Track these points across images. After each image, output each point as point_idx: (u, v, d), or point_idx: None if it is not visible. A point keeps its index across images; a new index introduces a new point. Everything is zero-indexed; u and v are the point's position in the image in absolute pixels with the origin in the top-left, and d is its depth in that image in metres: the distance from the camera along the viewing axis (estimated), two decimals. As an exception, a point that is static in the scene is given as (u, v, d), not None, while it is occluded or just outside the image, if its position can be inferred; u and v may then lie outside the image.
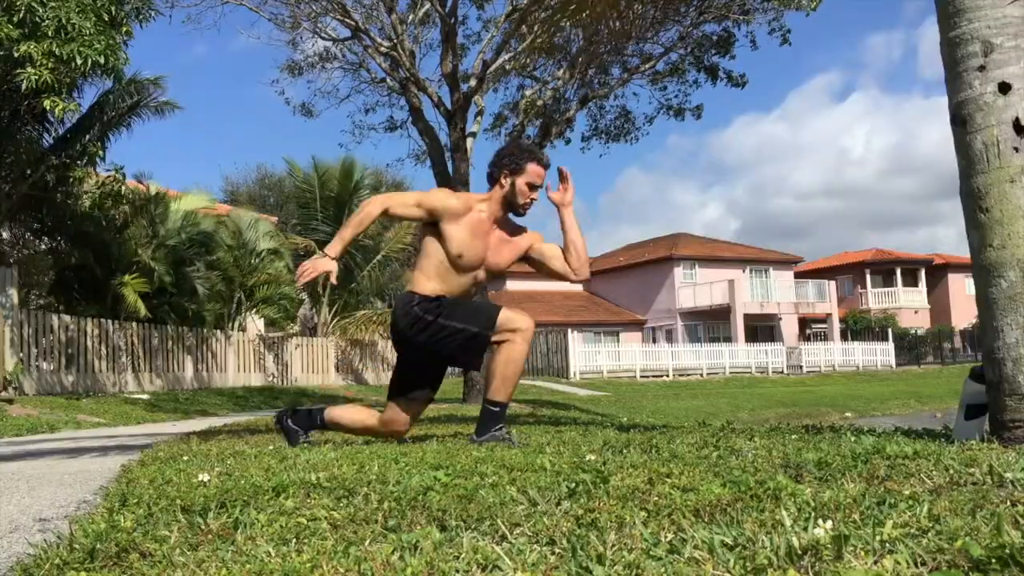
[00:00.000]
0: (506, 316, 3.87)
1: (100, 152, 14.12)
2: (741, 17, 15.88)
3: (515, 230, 4.16)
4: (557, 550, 1.60)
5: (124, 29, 11.67)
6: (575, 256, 4.12)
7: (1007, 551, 1.33)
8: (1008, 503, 1.79)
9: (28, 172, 13.78)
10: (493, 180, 4.04)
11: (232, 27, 72.01)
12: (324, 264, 3.90)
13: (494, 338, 3.85)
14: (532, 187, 3.99)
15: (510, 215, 4.09)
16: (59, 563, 1.72)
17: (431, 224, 3.97)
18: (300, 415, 4.32)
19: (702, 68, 16.83)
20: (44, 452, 5.60)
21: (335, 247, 3.94)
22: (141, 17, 12.30)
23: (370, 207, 3.98)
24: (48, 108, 11.35)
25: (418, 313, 3.91)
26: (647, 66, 16.86)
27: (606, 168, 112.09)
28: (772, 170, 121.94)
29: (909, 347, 40.25)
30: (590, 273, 4.38)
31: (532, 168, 3.98)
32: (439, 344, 3.93)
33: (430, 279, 3.96)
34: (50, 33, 10.69)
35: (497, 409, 3.91)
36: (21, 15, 10.59)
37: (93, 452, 5.42)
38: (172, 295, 17.85)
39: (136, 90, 15.27)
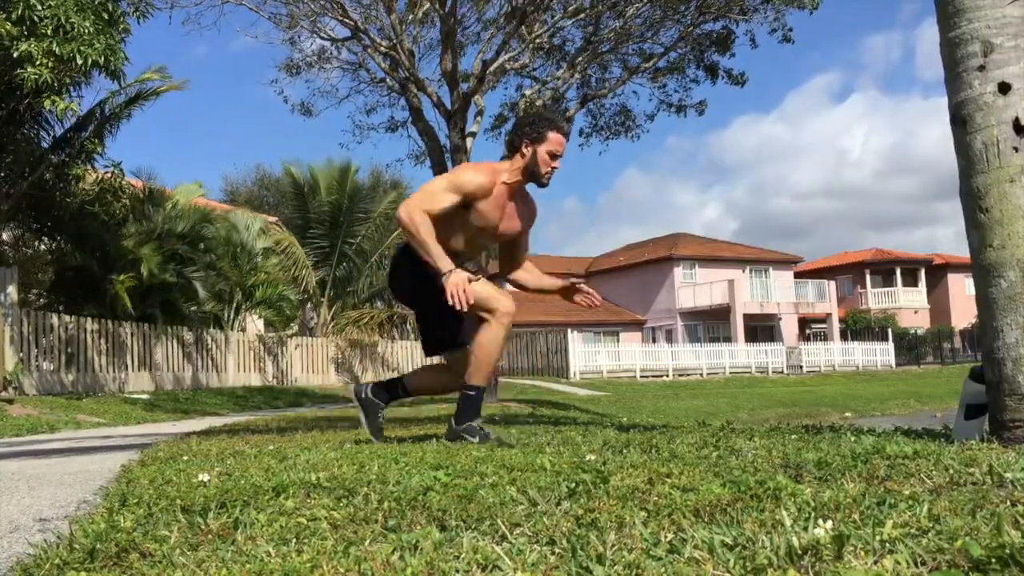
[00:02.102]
0: (487, 294, 3.80)
1: (98, 148, 14.10)
2: (740, 16, 15.88)
3: (527, 199, 4.15)
4: (557, 550, 1.60)
5: (122, 26, 11.67)
6: (523, 280, 4.27)
7: (1007, 551, 1.33)
8: (1008, 503, 1.79)
9: (27, 171, 13.78)
10: (514, 148, 3.98)
11: (231, 27, 71.94)
12: (459, 279, 3.71)
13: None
14: (553, 156, 3.94)
15: (529, 184, 4.05)
16: (59, 563, 1.72)
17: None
18: (379, 388, 4.30)
19: (702, 66, 16.83)
20: (44, 452, 5.60)
21: (445, 261, 3.75)
22: (139, 13, 12.29)
23: (419, 220, 3.77)
24: (48, 107, 11.35)
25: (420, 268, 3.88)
26: (647, 64, 16.84)
27: (606, 167, 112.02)
28: (771, 170, 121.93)
29: (909, 347, 40.26)
30: (559, 283, 4.36)
31: (553, 136, 3.93)
32: (422, 298, 3.98)
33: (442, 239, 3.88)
34: (48, 32, 10.69)
35: (472, 393, 3.94)
36: (19, 12, 10.59)
37: (93, 452, 5.42)
38: (172, 294, 17.83)
39: (138, 85, 15.25)
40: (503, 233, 4.06)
